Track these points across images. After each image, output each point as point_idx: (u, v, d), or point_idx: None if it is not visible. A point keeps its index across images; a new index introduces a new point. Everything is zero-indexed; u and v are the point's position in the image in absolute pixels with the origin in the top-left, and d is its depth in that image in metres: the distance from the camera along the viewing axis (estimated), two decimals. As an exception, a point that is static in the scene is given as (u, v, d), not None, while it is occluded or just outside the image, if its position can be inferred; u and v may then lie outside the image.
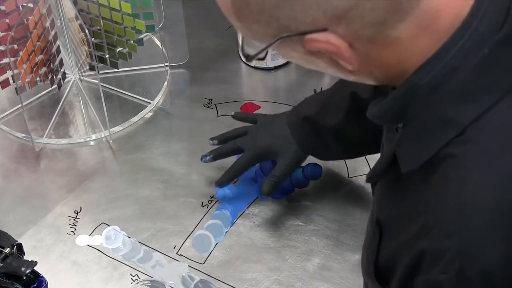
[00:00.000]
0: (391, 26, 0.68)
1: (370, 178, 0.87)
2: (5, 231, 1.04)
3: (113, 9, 1.29)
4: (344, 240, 1.16)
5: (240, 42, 0.76)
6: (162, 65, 1.44)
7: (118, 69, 1.38)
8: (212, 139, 1.23)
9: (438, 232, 0.69)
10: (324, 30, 0.68)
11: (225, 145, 1.22)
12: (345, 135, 1.14)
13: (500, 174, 0.68)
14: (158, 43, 1.48)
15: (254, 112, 1.35)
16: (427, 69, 0.71)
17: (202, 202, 1.23)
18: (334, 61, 0.72)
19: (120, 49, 1.34)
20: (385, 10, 0.67)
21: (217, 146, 1.22)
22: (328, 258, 1.14)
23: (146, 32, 1.35)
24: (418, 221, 0.72)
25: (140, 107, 1.41)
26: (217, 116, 1.38)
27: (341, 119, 1.13)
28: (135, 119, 1.39)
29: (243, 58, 1.45)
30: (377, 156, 0.90)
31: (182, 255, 1.16)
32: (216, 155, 1.21)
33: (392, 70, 0.73)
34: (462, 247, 0.68)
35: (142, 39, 1.37)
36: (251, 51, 0.76)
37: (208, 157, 1.20)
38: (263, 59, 0.71)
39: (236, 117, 1.27)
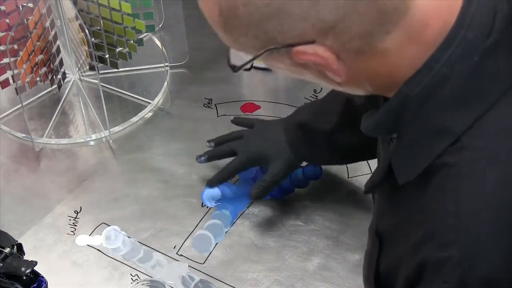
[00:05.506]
0: (378, 37, 0.68)
1: (368, 189, 0.87)
2: (5, 231, 1.04)
3: (113, 9, 1.29)
4: (344, 240, 1.16)
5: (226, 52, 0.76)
6: (162, 65, 1.44)
7: (118, 69, 1.38)
8: (209, 141, 1.25)
9: (438, 242, 0.69)
10: (311, 42, 0.68)
11: (220, 147, 1.24)
12: (338, 140, 1.14)
13: (496, 180, 0.68)
14: (158, 43, 1.48)
15: (254, 116, 1.35)
16: (418, 79, 0.70)
17: (202, 202, 1.23)
18: (321, 73, 0.72)
19: (120, 49, 1.34)
20: (373, 22, 0.67)
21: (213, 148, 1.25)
22: (328, 258, 1.14)
23: (146, 32, 1.35)
24: (417, 231, 0.72)
25: (140, 107, 1.41)
26: (217, 116, 1.38)
27: (335, 124, 1.13)
28: (135, 119, 1.39)
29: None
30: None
31: (182, 255, 1.16)
32: (211, 156, 1.23)
33: (381, 81, 0.73)
34: (462, 255, 0.68)
35: (142, 39, 1.37)
36: (237, 62, 0.75)
37: (202, 158, 1.23)
38: (249, 69, 0.71)
39: (234, 121, 1.28)
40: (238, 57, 0.74)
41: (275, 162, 1.17)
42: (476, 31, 0.69)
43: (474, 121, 0.70)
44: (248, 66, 0.75)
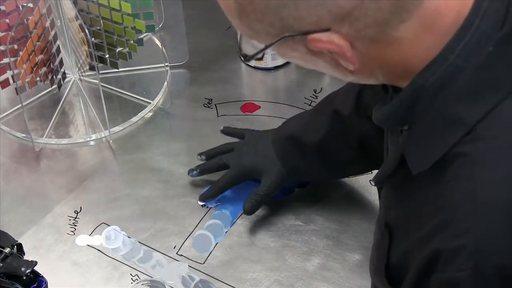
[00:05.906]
0: (394, 26, 0.68)
1: (378, 182, 0.86)
2: (5, 231, 1.04)
3: (113, 9, 1.29)
4: (344, 240, 1.16)
5: (238, 41, 0.76)
6: (162, 65, 1.44)
7: (118, 69, 1.38)
8: (200, 154, 1.25)
9: (452, 231, 0.69)
10: (327, 30, 0.69)
11: (211, 160, 1.23)
12: (327, 153, 1.13)
13: (510, 169, 0.68)
14: (158, 43, 1.48)
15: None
16: (432, 70, 0.71)
17: (202, 202, 1.23)
18: (334, 61, 0.72)
19: (120, 49, 1.34)
20: (389, 10, 0.67)
21: (204, 161, 1.24)
22: (328, 258, 1.14)
23: (146, 32, 1.35)
24: (430, 221, 0.72)
25: (140, 107, 1.41)
26: (217, 116, 1.38)
27: (323, 137, 1.12)
28: (135, 119, 1.39)
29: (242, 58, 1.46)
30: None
31: (182, 255, 1.16)
32: (202, 170, 1.23)
33: (394, 70, 0.73)
34: (477, 244, 0.68)
35: (142, 39, 1.37)
36: (249, 51, 0.76)
37: (194, 172, 1.23)
38: (261, 58, 0.70)
39: (224, 132, 1.28)
40: (251, 45, 0.74)
41: (267, 175, 1.16)
42: (489, 21, 0.70)
43: (488, 112, 0.70)
44: (261, 54, 0.75)
